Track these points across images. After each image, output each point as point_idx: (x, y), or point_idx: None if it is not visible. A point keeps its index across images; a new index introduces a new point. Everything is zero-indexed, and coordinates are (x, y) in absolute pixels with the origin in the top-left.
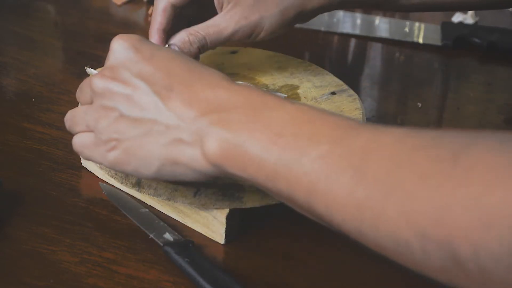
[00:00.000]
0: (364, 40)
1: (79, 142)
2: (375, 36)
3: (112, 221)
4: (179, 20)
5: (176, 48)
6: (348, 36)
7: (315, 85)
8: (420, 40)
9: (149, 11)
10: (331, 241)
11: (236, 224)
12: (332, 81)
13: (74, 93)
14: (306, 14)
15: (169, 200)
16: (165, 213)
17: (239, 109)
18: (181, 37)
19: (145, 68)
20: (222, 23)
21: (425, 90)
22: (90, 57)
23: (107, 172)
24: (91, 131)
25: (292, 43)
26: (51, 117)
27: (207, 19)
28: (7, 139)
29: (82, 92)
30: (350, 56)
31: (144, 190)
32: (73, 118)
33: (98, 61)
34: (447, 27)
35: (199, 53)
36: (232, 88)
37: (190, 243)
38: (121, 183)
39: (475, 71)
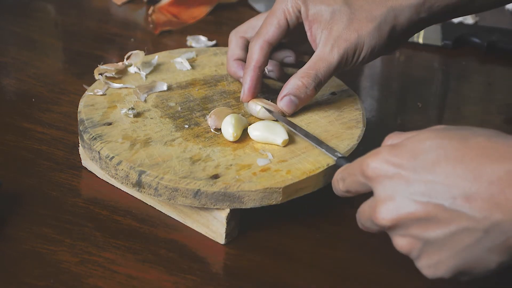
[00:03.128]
0: None
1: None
2: None
3: (112, 221)
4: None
5: (293, 98)
6: None
7: None
8: (420, 40)
9: (149, 11)
10: (331, 241)
11: (236, 224)
12: (332, 81)
13: (74, 93)
14: (399, 30)
15: (169, 200)
16: (165, 213)
17: None
18: (294, 84)
19: (427, 183)
20: (325, 52)
21: (425, 90)
22: (90, 57)
23: (107, 172)
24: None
25: None
26: (51, 117)
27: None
28: (7, 139)
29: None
30: None
31: (144, 190)
32: None
33: (98, 61)
34: (447, 27)
35: (315, 93)
36: None
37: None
38: (122, 182)
39: (475, 71)
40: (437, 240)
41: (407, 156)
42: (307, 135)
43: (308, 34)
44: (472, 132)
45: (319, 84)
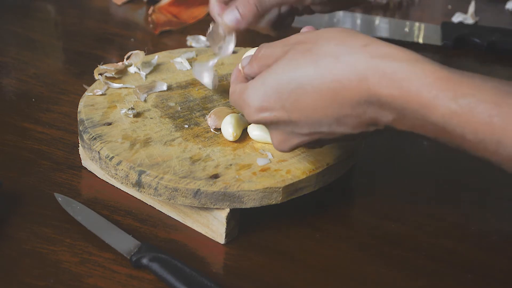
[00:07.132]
0: None
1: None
2: (375, 36)
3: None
4: None
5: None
6: None
7: None
8: (420, 40)
9: (149, 11)
10: (331, 241)
11: (236, 224)
12: None
13: (74, 93)
14: None
15: (169, 200)
16: (165, 213)
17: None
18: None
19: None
20: None
21: None
22: (90, 57)
23: (107, 172)
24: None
25: None
26: (51, 117)
27: None
28: (7, 139)
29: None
30: None
31: (144, 190)
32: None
33: (98, 61)
34: (447, 27)
35: (258, 12)
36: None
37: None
38: (122, 182)
39: (475, 71)
40: (299, 122)
41: (312, 39)
42: None
43: None
44: None
45: (261, 3)
